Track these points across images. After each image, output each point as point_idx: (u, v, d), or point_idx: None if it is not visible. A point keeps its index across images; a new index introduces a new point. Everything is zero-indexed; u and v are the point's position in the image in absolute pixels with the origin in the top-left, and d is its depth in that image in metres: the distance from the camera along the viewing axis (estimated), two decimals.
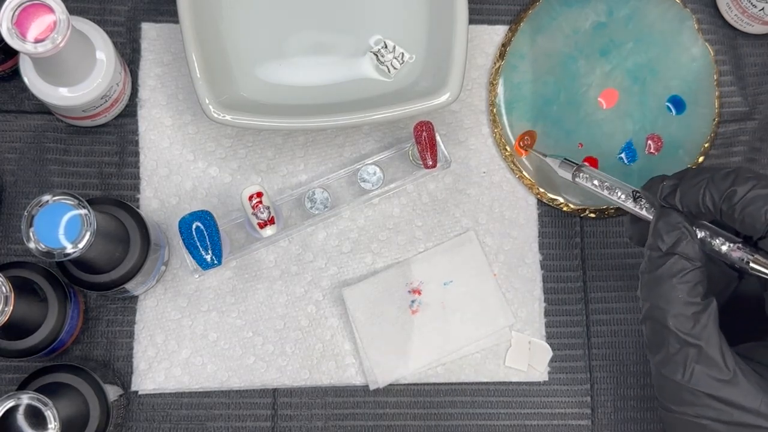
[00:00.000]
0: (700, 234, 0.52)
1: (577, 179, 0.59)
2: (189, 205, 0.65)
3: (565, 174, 0.60)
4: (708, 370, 0.49)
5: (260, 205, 0.59)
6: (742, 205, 0.49)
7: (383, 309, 0.64)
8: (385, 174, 0.64)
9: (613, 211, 0.66)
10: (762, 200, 0.49)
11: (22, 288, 0.56)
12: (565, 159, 0.61)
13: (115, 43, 0.61)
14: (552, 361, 0.64)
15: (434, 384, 0.64)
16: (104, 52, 0.59)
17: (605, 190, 0.57)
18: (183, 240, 0.58)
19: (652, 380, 0.52)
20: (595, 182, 0.58)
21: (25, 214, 0.50)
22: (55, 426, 0.50)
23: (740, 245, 0.51)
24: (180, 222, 0.58)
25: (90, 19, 0.60)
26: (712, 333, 0.49)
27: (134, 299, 0.64)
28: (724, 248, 0.51)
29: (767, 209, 0.49)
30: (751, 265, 0.50)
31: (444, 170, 0.66)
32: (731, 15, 0.68)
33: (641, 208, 0.55)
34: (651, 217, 0.54)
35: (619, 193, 0.56)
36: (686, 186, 0.51)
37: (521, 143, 0.66)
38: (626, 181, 0.65)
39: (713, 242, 0.51)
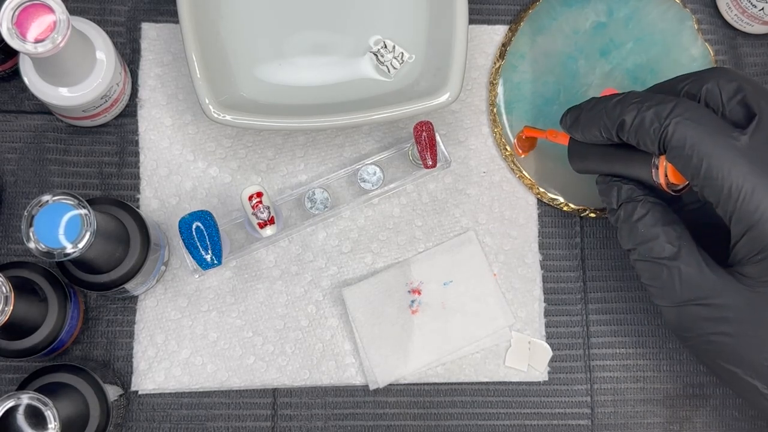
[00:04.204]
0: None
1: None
2: (189, 205, 0.65)
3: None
4: (694, 279, 0.53)
5: (260, 205, 0.59)
6: (633, 131, 0.53)
7: (383, 309, 0.64)
8: (385, 174, 0.64)
9: None
10: (648, 121, 0.52)
11: (22, 288, 0.56)
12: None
13: (115, 43, 0.61)
14: (552, 361, 0.64)
15: (434, 384, 0.64)
16: (104, 52, 0.59)
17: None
18: (183, 240, 0.58)
19: (666, 324, 0.57)
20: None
21: (25, 214, 0.50)
22: (55, 426, 0.50)
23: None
24: (180, 222, 0.58)
25: (90, 19, 0.60)
26: (689, 248, 0.53)
27: (134, 299, 0.64)
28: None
29: (654, 128, 0.51)
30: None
31: (444, 170, 0.66)
32: (731, 15, 0.68)
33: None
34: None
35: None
36: (585, 118, 0.55)
37: (520, 139, 0.66)
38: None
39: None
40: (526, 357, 0.64)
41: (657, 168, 0.53)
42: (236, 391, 0.63)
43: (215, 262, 0.58)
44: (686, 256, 0.53)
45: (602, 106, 0.54)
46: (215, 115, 0.60)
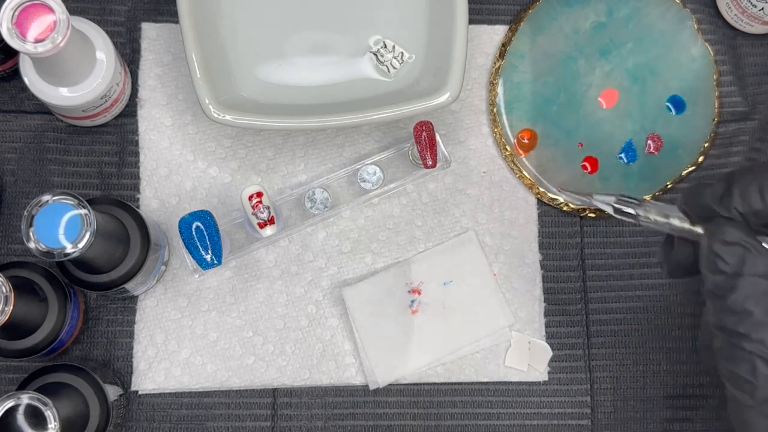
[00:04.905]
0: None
1: (639, 217, 0.49)
2: (189, 205, 0.65)
3: (623, 215, 0.50)
4: None
5: (260, 205, 0.59)
6: None
7: (383, 309, 0.64)
8: (385, 174, 0.64)
9: None
10: None
11: (22, 288, 0.56)
12: (623, 195, 0.51)
13: (115, 43, 0.61)
14: (552, 361, 0.64)
15: (434, 384, 0.64)
16: (104, 52, 0.59)
17: (676, 221, 0.48)
18: (183, 240, 0.58)
19: (731, 418, 0.46)
20: (659, 213, 0.49)
21: (25, 214, 0.50)
22: (55, 426, 0.50)
23: None
24: (180, 222, 0.58)
25: (90, 19, 0.60)
26: None
27: (134, 299, 0.64)
28: None
29: None
30: None
31: (444, 170, 0.66)
32: (731, 15, 0.68)
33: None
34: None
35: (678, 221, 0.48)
36: (743, 185, 0.44)
37: (520, 140, 0.66)
38: (626, 180, 0.66)
39: None
40: (526, 357, 0.64)
41: None
42: (236, 391, 0.63)
43: (215, 262, 0.58)
44: None
45: (765, 172, 0.44)
46: (215, 115, 0.60)
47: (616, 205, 0.50)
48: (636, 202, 0.49)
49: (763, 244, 0.44)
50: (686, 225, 0.47)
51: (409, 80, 0.64)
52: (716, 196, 0.45)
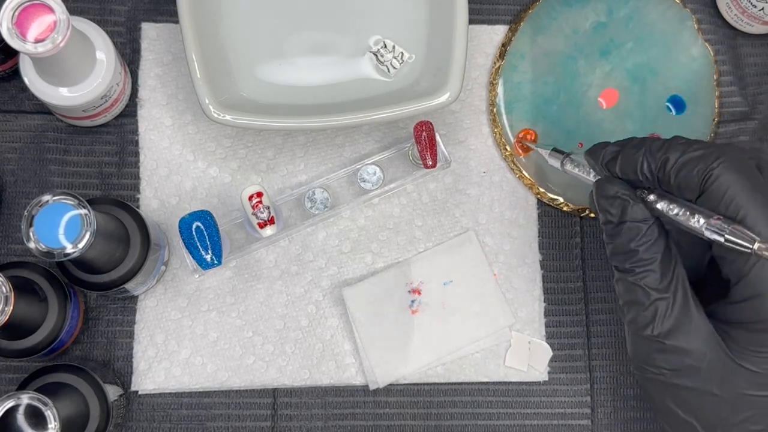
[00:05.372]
0: (676, 210, 0.51)
1: (565, 167, 0.59)
2: (189, 205, 0.65)
3: (555, 162, 0.60)
4: (677, 321, 0.51)
5: (260, 205, 0.59)
6: (675, 170, 0.51)
7: (383, 309, 0.64)
8: (385, 174, 0.64)
9: None
10: (693, 162, 0.50)
11: (22, 288, 0.56)
12: (555, 149, 0.61)
13: (115, 43, 0.61)
14: (552, 361, 0.65)
15: (434, 384, 0.64)
16: (104, 52, 0.59)
17: (591, 176, 0.57)
18: (183, 240, 0.58)
19: (626, 344, 0.54)
20: (581, 167, 0.58)
21: (25, 214, 0.50)
22: (55, 426, 0.50)
23: (719, 218, 0.50)
24: (180, 222, 0.58)
25: (90, 19, 0.60)
26: (679, 284, 0.52)
27: (134, 299, 0.64)
28: (695, 223, 0.50)
29: (699, 169, 0.50)
30: (726, 236, 0.49)
31: (444, 170, 0.66)
32: (731, 15, 0.68)
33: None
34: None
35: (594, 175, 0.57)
36: (627, 155, 0.53)
37: (520, 141, 0.66)
38: None
39: (685, 216, 0.51)
40: (526, 357, 0.64)
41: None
42: (236, 391, 0.63)
43: (215, 262, 0.58)
44: (678, 290, 0.52)
45: (647, 145, 0.52)
46: (215, 115, 0.60)
47: (549, 157, 0.61)
48: (564, 155, 0.60)
49: (673, 208, 0.51)
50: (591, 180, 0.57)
51: (409, 80, 0.64)
52: (605, 159, 0.54)
